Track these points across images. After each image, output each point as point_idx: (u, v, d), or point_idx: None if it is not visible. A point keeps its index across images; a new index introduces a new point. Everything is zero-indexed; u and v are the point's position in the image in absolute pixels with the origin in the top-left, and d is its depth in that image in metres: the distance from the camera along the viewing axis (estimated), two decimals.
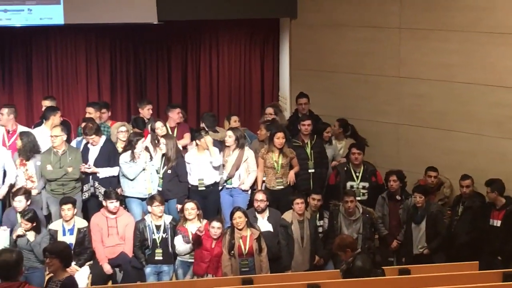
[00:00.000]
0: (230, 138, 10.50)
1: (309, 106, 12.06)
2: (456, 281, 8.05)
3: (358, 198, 10.15)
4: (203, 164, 10.46)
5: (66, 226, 9.49)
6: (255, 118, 13.30)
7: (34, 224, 9.17)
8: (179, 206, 10.20)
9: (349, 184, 10.55)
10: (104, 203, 9.76)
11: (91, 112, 11.43)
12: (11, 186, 10.22)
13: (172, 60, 14.07)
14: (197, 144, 10.59)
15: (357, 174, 10.62)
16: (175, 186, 10.48)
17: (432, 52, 11.44)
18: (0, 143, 10.63)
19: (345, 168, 10.71)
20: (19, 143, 10.26)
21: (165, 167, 10.44)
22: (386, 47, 12.00)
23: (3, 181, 10.23)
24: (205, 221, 9.51)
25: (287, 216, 9.78)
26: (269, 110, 11.96)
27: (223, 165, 10.49)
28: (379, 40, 12.07)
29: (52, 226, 9.64)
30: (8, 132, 10.89)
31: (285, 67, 13.51)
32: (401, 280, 8.22)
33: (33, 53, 13.58)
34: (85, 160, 10.40)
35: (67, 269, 7.06)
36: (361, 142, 11.32)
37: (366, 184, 10.61)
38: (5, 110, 10.95)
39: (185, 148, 11.10)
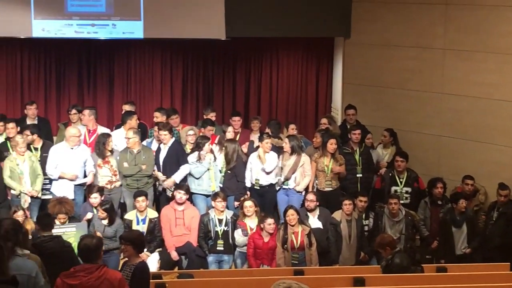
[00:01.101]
0: (287, 144, 10.48)
1: (356, 117, 11.99)
2: (489, 280, 7.96)
3: (401, 202, 10.04)
4: (260, 166, 10.45)
5: (140, 217, 9.56)
6: (310, 126, 13.28)
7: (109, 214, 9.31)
8: (236, 203, 10.24)
9: (393, 188, 10.45)
10: (174, 193, 9.77)
11: (157, 116, 11.46)
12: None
13: (236, 72, 14.11)
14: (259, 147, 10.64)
15: (401, 180, 10.52)
16: (233, 184, 10.49)
17: (473, 72, 11.33)
18: (82, 140, 10.71)
19: (390, 174, 10.62)
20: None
21: (226, 167, 10.49)
22: (431, 65, 11.90)
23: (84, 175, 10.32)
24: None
25: (337, 215, 9.74)
26: (324, 120, 11.96)
27: (281, 168, 10.47)
28: (425, 59, 11.96)
29: (127, 216, 9.72)
30: (89, 131, 11.03)
31: (338, 81, 13.45)
32: (438, 277, 8.14)
33: (115, 62, 13.75)
34: (156, 158, 10.43)
35: (140, 255, 7.15)
36: (404, 151, 11.23)
37: (409, 189, 10.49)
38: (86, 111, 11.15)
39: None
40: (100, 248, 6.21)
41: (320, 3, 12.60)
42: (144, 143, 10.88)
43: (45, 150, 10.36)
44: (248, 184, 10.56)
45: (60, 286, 5.87)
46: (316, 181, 10.54)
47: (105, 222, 9.27)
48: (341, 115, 12.99)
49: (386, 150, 11.49)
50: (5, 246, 5.56)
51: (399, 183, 10.51)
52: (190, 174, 10.39)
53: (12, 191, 9.96)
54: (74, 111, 11.38)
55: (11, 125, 10.58)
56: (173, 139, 10.64)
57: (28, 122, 11.22)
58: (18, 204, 9.49)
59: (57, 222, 9.11)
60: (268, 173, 10.39)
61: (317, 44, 13.85)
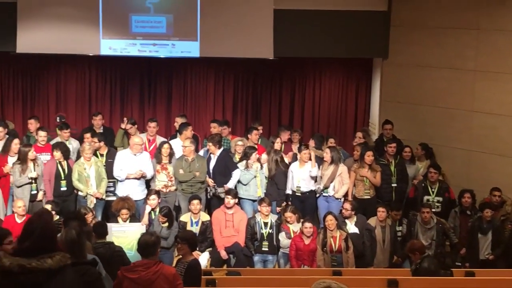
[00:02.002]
0: (327, 155, 10.47)
1: (393, 131, 11.94)
2: None
3: (433, 210, 9.96)
4: (301, 174, 10.45)
5: (193, 219, 9.60)
6: (349, 139, 13.20)
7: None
8: (278, 208, 10.25)
9: (425, 198, 10.35)
10: (225, 198, 9.83)
11: (214, 126, 11.55)
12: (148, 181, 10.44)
13: (282, 88, 14.09)
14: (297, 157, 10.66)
15: (433, 190, 10.43)
16: (274, 191, 10.52)
17: (500, 92, 11.21)
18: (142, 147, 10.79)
19: (423, 184, 10.54)
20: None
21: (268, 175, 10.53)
22: (462, 85, 11.78)
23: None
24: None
25: (372, 221, 9.71)
26: (359, 134, 11.95)
27: (321, 177, 10.46)
28: (457, 79, 11.84)
29: (182, 218, 9.77)
30: (148, 140, 11.15)
31: (376, 99, 13.37)
32: (466, 281, 8.05)
33: (173, 78, 13.83)
34: (207, 166, 10.46)
35: (192, 253, 7.22)
36: (437, 163, 11.14)
37: (440, 199, 10.38)
38: (153, 124, 11.27)
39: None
40: (157, 245, 6.28)
41: (360, 26, 12.58)
42: (201, 152, 10.94)
43: (109, 156, 10.50)
44: (289, 191, 10.55)
45: (121, 279, 5.95)
46: (354, 190, 10.53)
47: (164, 225, 9.34)
48: (378, 129, 12.94)
49: (420, 163, 11.38)
50: (72, 252, 5.67)
51: (431, 192, 10.41)
52: (238, 180, 10.43)
53: (79, 193, 10.12)
54: (129, 125, 11.46)
55: (88, 135, 10.76)
56: (222, 149, 10.67)
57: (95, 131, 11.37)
58: (85, 205, 9.63)
59: (120, 221, 9.27)
60: (313, 177, 10.38)
61: (357, 64, 13.80)
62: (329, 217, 9.22)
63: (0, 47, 12.25)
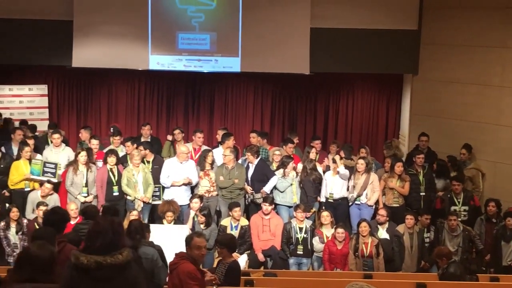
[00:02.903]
0: (362, 165, 10.42)
1: (428, 143, 11.83)
2: None
3: (460, 219, 9.86)
4: (334, 182, 10.46)
5: (233, 223, 9.64)
6: (380, 150, 13.16)
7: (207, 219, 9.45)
8: (308, 214, 10.19)
9: (452, 208, 10.25)
10: (262, 205, 9.85)
11: (254, 136, 11.58)
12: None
13: (317, 101, 14.09)
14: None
15: (458, 200, 10.32)
16: (303, 198, 10.43)
17: None
18: (188, 156, 10.83)
19: (449, 196, 10.46)
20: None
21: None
22: (489, 100, 11.66)
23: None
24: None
25: (400, 228, 9.64)
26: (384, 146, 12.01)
27: (353, 186, 10.44)
28: (483, 94, 11.73)
29: (223, 222, 9.83)
30: (194, 149, 11.25)
31: (406, 112, 13.29)
32: (491, 286, 7.96)
33: (216, 92, 13.94)
34: (246, 175, 10.49)
35: (232, 255, 7.26)
36: (460, 175, 11.01)
37: (466, 208, 10.26)
38: (199, 134, 11.34)
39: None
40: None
41: (392, 44, 12.54)
42: (240, 161, 10.99)
43: (155, 163, 10.59)
44: (323, 199, 10.54)
45: None
46: (384, 198, 10.49)
47: (203, 226, 9.41)
48: (408, 142, 12.85)
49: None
50: (134, 237, 6.59)
51: (457, 203, 10.31)
52: (275, 187, 10.44)
53: (128, 197, 10.25)
54: (178, 131, 11.61)
55: (128, 143, 10.91)
56: (259, 158, 10.69)
57: (143, 140, 11.50)
58: (133, 208, 9.77)
59: (164, 222, 9.36)
60: (343, 178, 10.36)
61: (388, 79, 13.74)
62: (363, 224, 9.19)
63: (57, 62, 12.48)
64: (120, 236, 4.19)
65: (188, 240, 6.22)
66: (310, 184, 10.44)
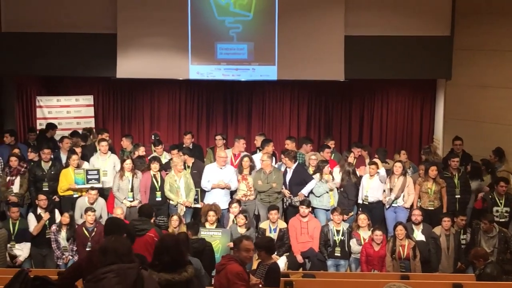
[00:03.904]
0: (399, 168, 10.39)
1: (462, 147, 11.69)
2: None
3: (502, 220, 9.80)
4: (370, 185, 10.41)
5: (272, 226, 9.66)
6: (414, 154, 13.10)
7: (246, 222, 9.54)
8: (345, 217, 10.17)
9: (495, 209, 10.12)
10: (300, 208, 9.86)
11: (288, 143, 11.58)
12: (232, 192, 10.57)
13: (352, 107, 14.10)
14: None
15: (501, 201, 10.19)
16: (344, 201, 10.47)
17: None
18: (229, 161, 10.98)
19: (490, 196, 10.33)
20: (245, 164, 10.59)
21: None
22: None
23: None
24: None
25: (437, 230, 9.55)
26: (422, 152, 11.85)
27: (391, 189, 10.41)
28: None
29: (261, 225, 9.85)
30: (234, 155, 11.32)
31: (440, 116, 13.19)
32: None
33: (253, 99, 14.05)
34: (283, 179, 10.51)
35: (272, 257, 7.28)
36: (493, 178, 10.87)
37: (508, 209, 10.13)
38: (241, 141, 11.44)
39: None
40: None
41: (425, 50, 12.47)
42: (277, 166, 11.03)
43: (194, 167, 10.70)
44: (360, 201, 10.51)
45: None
46: (419, 201, 10.42)
47: (243, 228, 9.46)
48: (442, 145, 12.75)
49: (484, 177, 11.17)
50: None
51: (499, 204, 10.19)
52: (312, 192, 10.47)
53: (170, 202, 10.36)
54: (219, 137, 11.75)
55: (174, 151, 11.05)
56: (297, 162, 10.72)
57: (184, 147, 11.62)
58: (175, 213, 9.87)
59: (207, 225, 9.45)
60: (382, 181, 10.32)
61: (422, 84, 13.67)
62: (399, 227, 9.15)
63: (102, 73, 12.68)
64: (184, 254, 4.31)
65: (237, 243, 6.23)
66: (353, 188, 10.44)
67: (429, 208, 10.28)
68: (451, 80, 12.67)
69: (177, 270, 4.32)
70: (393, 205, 10.39)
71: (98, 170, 10.32)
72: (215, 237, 9.18)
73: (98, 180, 10.27)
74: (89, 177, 10.26)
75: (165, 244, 4.42)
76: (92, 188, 9.96)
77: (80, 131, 12.49)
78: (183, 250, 4.49)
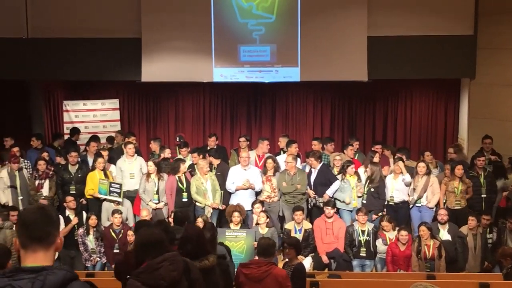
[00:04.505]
0: (423, 168, 10.31)
1: (492, 145, 11.52)
2: None
3: None
4: (395, 185, 10.33)
5: (297, 227, 9.65)
6: (439, 154, 12.97)
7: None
8: (374, 216, 10.15)
9: None
10: (325, 209, 9.85)
11: (315, 144, 11.59)
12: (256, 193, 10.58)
13: (376, 108, 14.02)
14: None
15: None
16: (374, 201, 10.40)
17: None
18: (253, 163, 11.00)
19: None
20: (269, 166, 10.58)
21: (369, 186, 10.43)
22: None
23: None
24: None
25: (464, 229, 9.47)
26: (450, 150, 11.64)
27: (414, 189, 10.33)
28: None
29: (286, 226, 9.82)
30: (258, 156, 11.33)
31: (464, 115, 13.04)
32: None
33: (276, 101, 14.03)
34: (308, 179, 10.48)
35: (297, 257, 7.27)
36: None
37: None
38: (265, 142, 11.43)
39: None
40: (274, 247, 6.39)
41: (449, 49, 12.35)
42: (301, 167, 11.03)
43: (218, 170, 10.74)
44: (385, 202, 10.45)
45: (238, 273, 6.10)
46: (445, 200, 10.31)
47: (262, 230, 9.44)
48: (467, 145, 12.61)
49: (509, 175, 11.03)
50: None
51: None
52: (340, 191, 10.43)
53: (197, 203, 10.39)
54: (243, 139, 11.77)
55: (195, 154, 11.09)
56: (322, 163, 10.71)
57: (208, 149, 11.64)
58: (202, 214, 9.89)
59: (231, 226, 9.44)
60: (407, 184, 10.24)
61: (445, 84, 13.54)
62: (422, 227, 9.09)
63: (128, 77, 12.77)
64: (205, 244, 4.44)
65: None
66: (384, 188, 10.39)
67: (456, 208, 10.17)
68: (475, 79, 12.54)
69: (198, 258, 4.52)
70: (417, 204, 10.31)
71: (120, 185, 10.30)
72: (239, 238, 9.19)
73: (119, 194, 10.26)
74: (111, 189, 10.28)
75: (188, 234, 4.66)
76: (114, 201, 9.95)
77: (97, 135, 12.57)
78: (205, 241, 4.69)
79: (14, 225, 9.51)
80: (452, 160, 11.05)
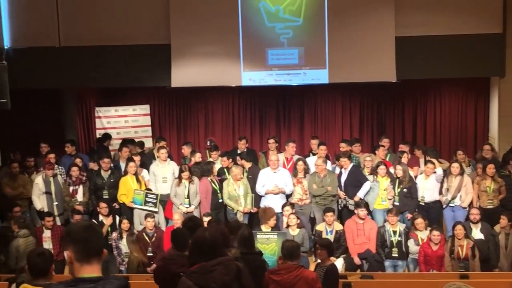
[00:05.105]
0: (457, 168, 10.22)
1: None
2: None
3: None
4: (426, 186, 10.27)
5: (328, 228, 9.65)
6: (470, 153, 12.77)
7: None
8: (409, 216, 10.08)
9: None
10: (355, 211, 9.82)
11: (343, 146, 11.56)
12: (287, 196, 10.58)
13: (405, 108, 13.93)
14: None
15: None
16: (407, 201, 10.31)
17: None
18: (281, 165, 10.99)
19: None
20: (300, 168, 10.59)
21: (401, 187, 10.35)
22: None
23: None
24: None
25: (497, 228, 9.38)
26: (487, 147, 11.46)
27: (447, 189, 10.22)
28: None
29: (317, 227, 9.82)
30: (286, 159, 11.34)
31: (494, 114, 12.88)
32: None
33: (305, 103, 14.02)
34: (338, 181, 10.47)
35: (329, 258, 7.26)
36: None
37: None
38: (291, 144, 11.42)
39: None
40: (299, 250, 6.34)
41: (477, 48, 12.22)
42: (330, 168, 11.02)
43: (250, 172, 10.78)
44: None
45: (267, 281, 6.04)
46: (479, 200, 10.20)
47: (293, 231, 9.47)
48: (498, 143, 12.45)
49: None
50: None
51: None
52: (368, 192, 10.38)
53: (228, 208, 10.44)
54: (272, 140, 11.77)
55: (224, 158, 11.15)
56: (352, 164, 10.68)
57: (239, 152, 11.73)
58: (233, 218, 9.88)
59: (263, 228, 9.46)
60: (438, 180, 10.14)
61: (475, 82, 13.41)
62: (458, 226, 9.02)
63: (158, 83, 12.87)
64: (228, 238, 4.47)
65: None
66: (416, 187, 10.32)
67: (488, 207, 10.08)
68: (504, 78, 12.38)
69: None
70: (450, 204, 10.22)
71: (157, 196, 10.37)
72: (271, 240, 9.16)
73: (155, 204, 10.34)
74: (147, 199, 10.36)
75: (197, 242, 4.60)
76: (150, 216, 9.80)
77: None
78: (227, 235, 4.79)
79: (50, 230, 9.71)
80: (484, 158, 10.92)
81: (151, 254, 9.43)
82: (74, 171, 10.69)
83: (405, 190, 10.28)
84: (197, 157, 11.23)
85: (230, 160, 11.04)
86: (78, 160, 11.23)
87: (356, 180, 10.43)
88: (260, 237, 9.14)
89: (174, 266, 5.26)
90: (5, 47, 12.11)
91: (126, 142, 12.38)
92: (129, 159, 10.86)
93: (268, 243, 9.02)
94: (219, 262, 4.19)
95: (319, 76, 12.47)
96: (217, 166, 10.96)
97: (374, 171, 10.48)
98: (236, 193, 10.33)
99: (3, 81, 10.89)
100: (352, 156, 11.15)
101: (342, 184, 10.49)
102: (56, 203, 10.46)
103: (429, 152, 11.23)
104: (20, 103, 12.21)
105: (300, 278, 5.94)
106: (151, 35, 12.54)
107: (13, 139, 13.04)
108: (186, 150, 11.81)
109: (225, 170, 10.90)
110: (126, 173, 10.69)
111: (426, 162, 10.63)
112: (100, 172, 10.81)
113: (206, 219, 9.14)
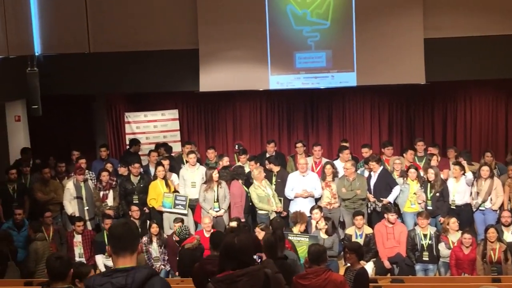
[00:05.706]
0: (487, 171, 10.08)
1: None
2: None
3: None
4: (456, 189, 10.16)
5: (357, 232, 9.61)
6: (501, 155, 12.64)
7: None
8: (442, 219, 9.94)
9: None
10: (385, 215, 9.74)
11: (366, 151, 11.39)
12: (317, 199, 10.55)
13: (434, 110, 13.79)
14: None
15: None
16: (440, 205, 10.18)
17: None
18: (310, 169, 10.93)
19: None
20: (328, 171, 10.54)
21: (433, 191, 10.22)
22: None
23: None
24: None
25: None
26: None
27: (477, 193, 10.08)
28: None
29: (347, 231, 9.81)
30: (315, 162, 11.32)
31: None
32: None
33: (333, 106, 13.97)
34: (368, 184, 10.41)
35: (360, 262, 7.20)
36: None
37: None
38: (317, 148, 11.40)
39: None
40: (325, 253, 6.29)
41: (507, 48, 12.02)
42: (359, 171, 10.93)
43: (279, 176, 10.78)
44: None
45: (295, 285, 6.00)
46: (510, 202, 10.02)
47: (323, 235, 9.42)
48: None
49: None
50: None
51: None
52: (398, 195, 10.30)
53: (259, 211, 10.40)
54: (300, 144, 11.74)
55: (252, 162, 11.17)
56: (382, 167, 10.60)
57: (268, 156, 11.69)
58: (262, 223, 9.84)
59: (294, 230, 9.42)
60: (469, 184, 10.03)
61: (505, 84, 13.19)
62: (491, 230, 8.89)
63: (186, 87, 12.93)
64: (250, 254, 4.39)
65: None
66: (448, 190, 10.22)
67: None
68: None
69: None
70: (480, 208, 10.07)
71: (186, 198, 10.44)
72: (302, 242, 9.16)
73: (184, 207, 10.40)
74: (177, 202, 10.43)
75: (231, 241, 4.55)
76: (180, 220, 9.82)
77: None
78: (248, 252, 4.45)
79: (80, 235, 9.79)
80: None
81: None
82: (104, 176, 10.78)
83: (437, 194, 10.16)
84: (225, 161, 11.24)
85: (258, 164, 11.01)
86: (108, 165, 11.33)
87: (385, 183, 10.38)
88: (291, 238, 9.13)
89: (209, 266, 5.30)
90: (36, 54, 12.27)
91: (158, 146, 12.45)
92: (158, 164, 10.91)
93: (299, 246, 9.01)
94: (245, 272, 4.15)
95: (347, 79, 12.40)
96: (246, 170, 10.98)
97: (404, 174, 10.37)
98: (265, 193, 10.33)
99: (35, 87, 11.04)
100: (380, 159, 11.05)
101: (372, 187, 10.42)
102: (87, 207, 10.56)
103: (462, 155, 11.09)
104: (51, 109, 12.35)
105: (328, 281, 5.92)
106: (179, 40, 12.59)
107: (44, 144, 13.20)
108: (210, 154, 11.83)
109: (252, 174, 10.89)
110: (155, 177, 10.75)
111: (454, 163, 10.49)
112: (130, 177, 10.89)
113: (233, 224, 9.14)
